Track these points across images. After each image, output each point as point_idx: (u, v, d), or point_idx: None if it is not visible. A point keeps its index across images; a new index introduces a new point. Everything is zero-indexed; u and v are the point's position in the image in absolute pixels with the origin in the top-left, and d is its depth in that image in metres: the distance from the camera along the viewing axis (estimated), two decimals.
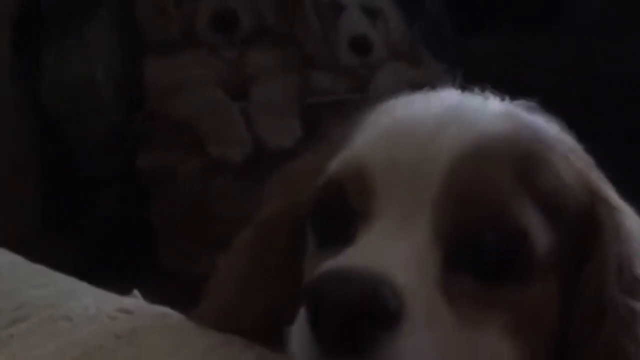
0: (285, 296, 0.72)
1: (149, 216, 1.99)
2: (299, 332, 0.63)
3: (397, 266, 0.62)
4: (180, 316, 0.77)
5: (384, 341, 0.60)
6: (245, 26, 2.05)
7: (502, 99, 0.74)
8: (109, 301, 0.78)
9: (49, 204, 2.00)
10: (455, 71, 0.78)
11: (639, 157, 1.84)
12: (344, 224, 0.69)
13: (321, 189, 0.71)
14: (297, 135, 2.00)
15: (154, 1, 2.06)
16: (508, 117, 0.72)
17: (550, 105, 0.74)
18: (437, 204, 0.66)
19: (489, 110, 0.72)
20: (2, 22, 1.97)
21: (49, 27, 2.00)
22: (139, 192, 1.99)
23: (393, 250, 0.64)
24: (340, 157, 0.71)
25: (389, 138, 0.70)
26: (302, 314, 0.63)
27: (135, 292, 0.81)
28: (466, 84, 0.76)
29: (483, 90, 0.75)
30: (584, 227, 0.69)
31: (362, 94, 2.03)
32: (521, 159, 0.68)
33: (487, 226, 0.65)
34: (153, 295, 0.81)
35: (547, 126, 0.72)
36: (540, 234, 0.66)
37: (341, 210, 0.69)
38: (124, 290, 0.81)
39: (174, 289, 1.27)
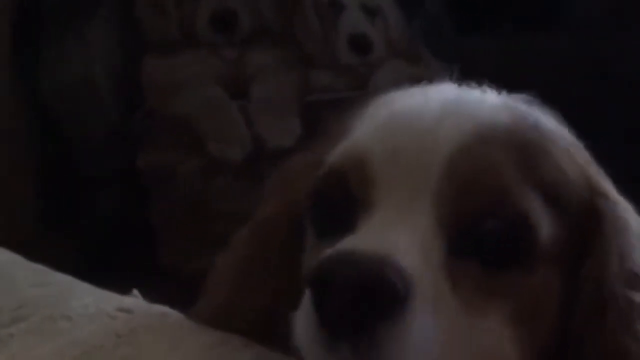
0: (283, 295, 0.72)
1: (148, 216, 1.99)
2: (303, 317, 0.63)
3: (402, 250, 0.62)
4: (179, 315, 0.77)
5: (389, 323, 0.59)
6: (245, 26, 2.05)
7: (500, 93, 0.75)
8: (109, 300, 0.78)
9: (48, 203, 2.00)
10: (455, 70, 0.78)
11: (639, 157, 1.84)
12: (345, 214, 0.68)
13: (321, 180, 0.71)
14: (297, 135, 2.00)
15: (154, 1, 2.06)
16: (507, 108, 0.72)
17: (550, 104, 0.74)
18: (438, 193, 0.66)
19: (488, 101, 0.72)
20: (2, 22, 1.97)
21: (49, 27, 2.00)
22: (139, 192, 1.99)
23: (396, 236, 0.64)
24: (339, 148, 0.71)
25: (389, 128, 0.70)
26: (306, 299, 0.63)
27: (135, 291, 0.81)
28: (466, 82, 0.76)
29: (481, 85, 0.75)
30: (585, 221, 0.69)
31: (362, 93, 2.03)
32: (521, 148, 0.68)
33: (488, 213, 0.65)
34: (153, 294, 0.81)
35: (546, 119, 0.73)
36: (542, 220, 0.66)
37: (341, 200, 0.69)
38: (124, 290, 0.81)
39: (174, 288, 1.27)
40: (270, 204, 0.77)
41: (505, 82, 0.75)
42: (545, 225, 0.66)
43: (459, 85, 0.75)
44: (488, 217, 0.65)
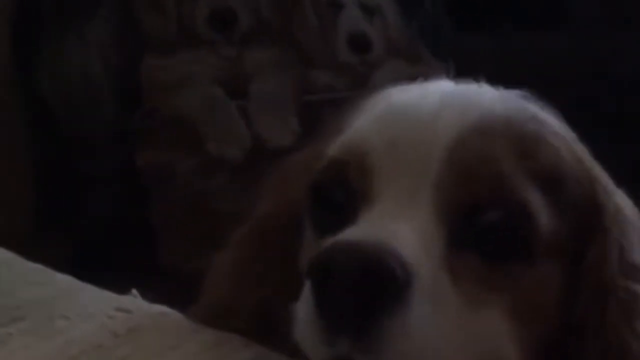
0: (282, 293, 0.71)
1: (148, 215, 1.99)
2: (302, 310, 0.63)
3: (402, 241, 0.62)
4: (178, 315, 0.77)
5: (388, 312, 0.59)
6: (244, 25, 2.05)
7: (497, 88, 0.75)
8: (108, 300, 0.78)
9: (48, 203, 2.00)
10: (454, 69, 0.78)
11: (639, 156, 1.84)
12: (344, 206, 0.68)
13: (320, 172, 0.71)
14: (296, 134, 2.00)
15: (154, 1, 2.06)
16: (505, 101, 0.72)
17: (550, 103, 0.74)
18: (438, 184, 0.66)
19: (486, 93, 0.73)
20: (2, 22, 1.97)
21: (49, 27, 2.00)
22: (139, 191, 1.99)
23: (396, 227, 0.63)
24: (338, 141, 0.71)
25: (388, 120, 0.70)
26: (305, 291, 0.62)
27: (134, 291, 0.81)
28: (464, 80, 0.76)
29: (478, 81, 0.75)
30: (584, 212, 0.69)
31: (361, 92, 2.02)
32: (519, 139, 0.68)
33: (487, 204, 0.65)
34: (152, 294, 0.80)
35: (543, 112, 0.73)
36: (541, 210, 0.66)
37: (341, 192, 0.69)
38: (123, 290, 0.81)
39: (174, 288, 1.27)
40: (269, 202, 0.77)
41: (505, 82, 0.75)
42: (544, 215, 0.66)
43: (457, 82, 0.75)
44: (487, 207, 0.65)
